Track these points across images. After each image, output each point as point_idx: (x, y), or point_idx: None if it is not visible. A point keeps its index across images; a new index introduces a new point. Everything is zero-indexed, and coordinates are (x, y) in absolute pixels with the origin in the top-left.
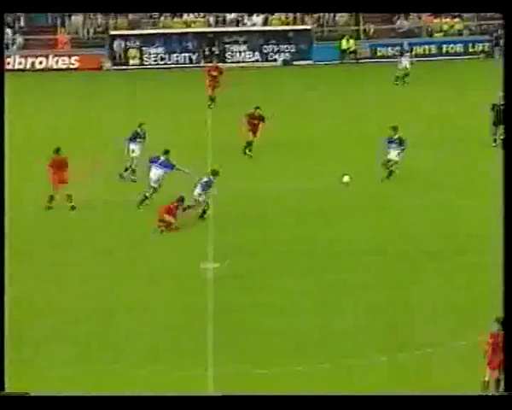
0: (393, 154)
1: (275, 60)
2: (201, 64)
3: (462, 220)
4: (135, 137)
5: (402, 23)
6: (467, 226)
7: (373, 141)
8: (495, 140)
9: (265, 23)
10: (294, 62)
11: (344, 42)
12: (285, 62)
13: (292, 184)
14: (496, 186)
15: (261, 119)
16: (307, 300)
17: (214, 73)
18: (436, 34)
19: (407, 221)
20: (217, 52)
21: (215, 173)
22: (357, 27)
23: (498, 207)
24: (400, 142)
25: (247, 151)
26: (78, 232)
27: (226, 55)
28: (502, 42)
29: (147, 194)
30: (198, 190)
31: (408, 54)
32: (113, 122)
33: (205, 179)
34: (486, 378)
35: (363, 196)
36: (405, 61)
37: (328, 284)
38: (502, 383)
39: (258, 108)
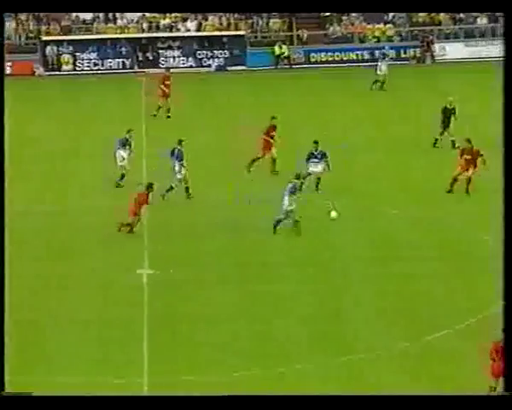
0: (316, 168)
1: (209, 65)
2: (135, 69)
3: (389, 228)
4: (124, 144)
5: (335, 29)
6: (394, 234)
7: (303, 149)
8: (436, 141)
9: (199, 28)
10: (228, 68)
11: (277, 48)
12: (219, 68)
13: (221, 194)
14: (424, 194)
15: (275, 128)
16: (237, 310)
17: (168, 82)
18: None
19: (334, 231)
20: (150, 58)
21: (298, 177)
22: (290, 33)
23: (429, 214)
24: (322, 155)
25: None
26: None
27: (160, 60)
28: (433, 47)
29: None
30: (286, 199)
31: (387, 58)
32: (44, 130)
33: (289, 186)
34: (494, 384)
35: None
36: (384, 66)
37: (259, 295)
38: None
39: (274, 117)
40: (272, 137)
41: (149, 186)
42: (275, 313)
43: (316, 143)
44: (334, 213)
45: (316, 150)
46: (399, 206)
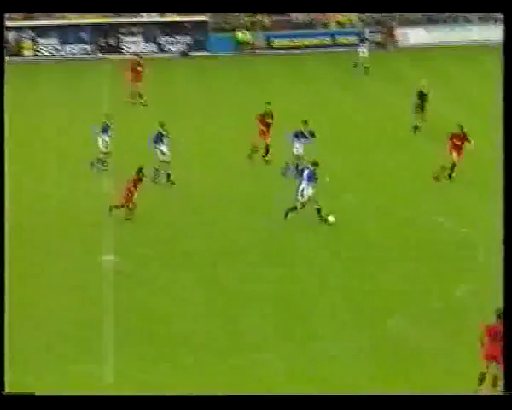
0: (302, 149)
1: (171, 51)
2: (97, 55)
3: (352, 219)
4: (105, 129)
5: (297, 14)
6: (358, 225)
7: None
8: (416, 127)
9: (161, 14)
10: (191, 54)
11: (240, 33)
12: (182, 54)
13: (193, 189)
14: (379, 182)
15: (272, 116)
16: (204, 307)
17: (139, 68)
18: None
19: (303, 228)
20: (112, 43)
21: (316, 164)
22: (253, 19)
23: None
24: (312, 134)
25: (267, 156)
26: None
27: (122, 46)
28: (395, 33)
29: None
30: (303, 186)
31: (367, 42)
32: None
33: (305, 173)
34: (484, 370)
35: (258, 199)
36: (363, 49)
37: (225, 293)
38: (499, 382)
39: (269, 103)
40: (268, 125)
41: (140, 171)
42: (243, 310)
43: (305, 122)
44: (331, 218)
45: (305, 129)
46: (363, 196)
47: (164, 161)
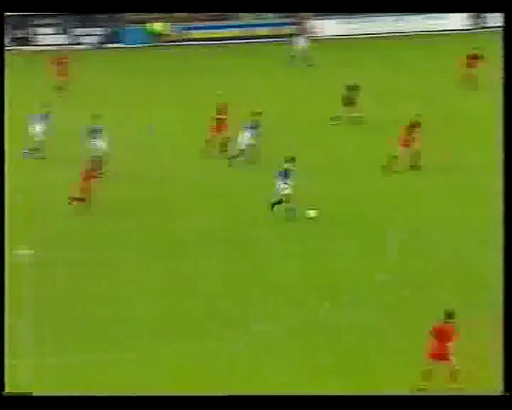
0: (254, 138)
1: (85, 43)
2: (8, 47)
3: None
4: (43, 119)
5: None
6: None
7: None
8: (339, 118)
9: None
10: (105, 45)
11: (155, 25)
12: (95, 46)
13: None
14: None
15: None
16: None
17: (65, 60)
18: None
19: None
20: (24, 35)
21: (292, 160)
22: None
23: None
24: (257, 125)
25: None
26: None
27: (36, 38)
28: (308, 24)
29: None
30: (281, 184)
31: (306, 35)
32: None
33: (279, 170)
34: (429, 367)
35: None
36: (302, 42)
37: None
38: (458, 377)
39: (220, 94)
40: (223, 118)
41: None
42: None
43: (259, 113)
44: (312, 212)
45: (257, 121)
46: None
47: (99, 156)
